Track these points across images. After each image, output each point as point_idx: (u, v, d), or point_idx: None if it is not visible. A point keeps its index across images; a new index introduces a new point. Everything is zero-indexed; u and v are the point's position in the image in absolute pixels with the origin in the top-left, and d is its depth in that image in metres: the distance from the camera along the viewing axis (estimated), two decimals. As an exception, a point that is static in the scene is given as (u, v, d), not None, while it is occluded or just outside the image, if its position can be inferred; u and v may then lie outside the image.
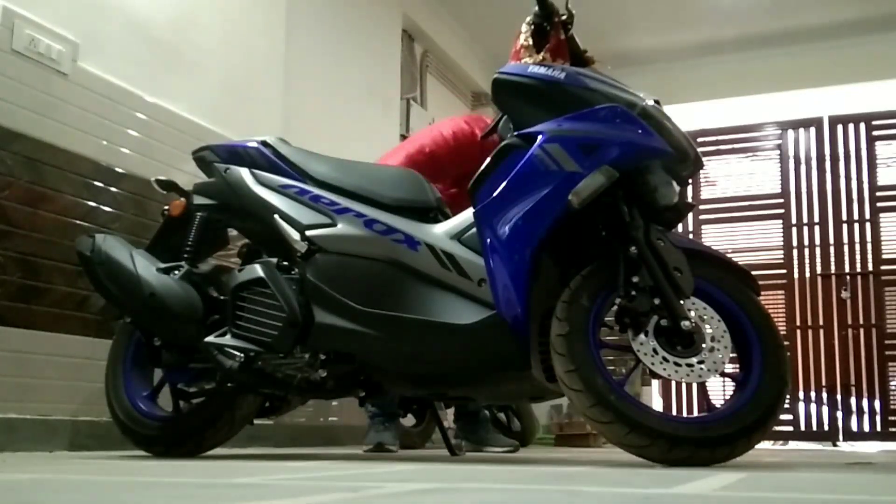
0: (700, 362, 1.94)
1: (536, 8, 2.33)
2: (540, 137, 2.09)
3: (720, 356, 1.96)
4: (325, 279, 2.32)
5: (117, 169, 3.17)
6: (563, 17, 2.36)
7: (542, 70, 2.20)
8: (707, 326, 1.99)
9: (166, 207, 2.68)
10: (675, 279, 1.99)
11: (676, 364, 1.95)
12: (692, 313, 1.99)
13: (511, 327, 2.09)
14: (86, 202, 3.02)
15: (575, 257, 2.16)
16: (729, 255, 2.35)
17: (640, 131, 2.06)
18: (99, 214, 3.07)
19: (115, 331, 2.69)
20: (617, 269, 2.04)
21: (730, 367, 2.01)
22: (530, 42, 2.32)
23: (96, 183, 3.07)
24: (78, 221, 2.97)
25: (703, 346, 1.96)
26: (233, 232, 2.81)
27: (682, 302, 1.98)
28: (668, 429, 1.89)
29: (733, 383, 2.03)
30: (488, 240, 2.10)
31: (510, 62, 2.32)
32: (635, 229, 2.05)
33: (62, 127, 2.95)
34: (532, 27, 2.34)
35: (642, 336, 1.98)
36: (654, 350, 1.97)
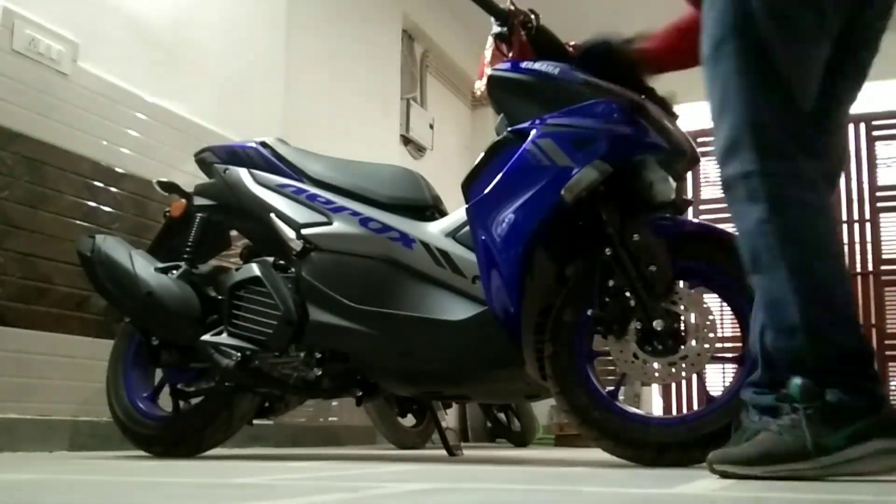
0: (683, 358, 1.94)
1: (492, 19, 2.24)
2: (533, 132, 2.07)
3: (705, 346, 1.94)
4: (321, 277, 2.32)
5: (117, 169, 3.17)
6: (521, 18, 2.25)
7: (536, 66, 2.17)
8: (692, 315, 1.97)
9: (168, 209, 2.68)
10: (648, 278, 1.96)
11: (656, 366, 1.95)
12: (680, 305, 1.97)
13: (503, 323, 2.09)
14: (86, 202, 3.02)
15: (571, 253, 2.15)
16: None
17: (633, 126, 2.04)
18: (99, 215, 3.06)
19: (117, 332, 2.69)
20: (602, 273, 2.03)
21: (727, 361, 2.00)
22: (490, 56, 2.26)
23: (96, 183, 3.07)
24: (78, 221, 2.97)
25: (685, 339, 1.95)
26: (234, 233, 2.82)
27: (668, 294, 1.96)
28: (653, 437, 1.92)
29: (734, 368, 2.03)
30: (481, 236, 2.09)
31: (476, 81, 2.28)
32: (611, 226, 2.01)
33: (62, 127, 2.95)
34: (495, 41, 2.26)
35: (621, 343, 1.98)
36: (634, 355, 1.97)
